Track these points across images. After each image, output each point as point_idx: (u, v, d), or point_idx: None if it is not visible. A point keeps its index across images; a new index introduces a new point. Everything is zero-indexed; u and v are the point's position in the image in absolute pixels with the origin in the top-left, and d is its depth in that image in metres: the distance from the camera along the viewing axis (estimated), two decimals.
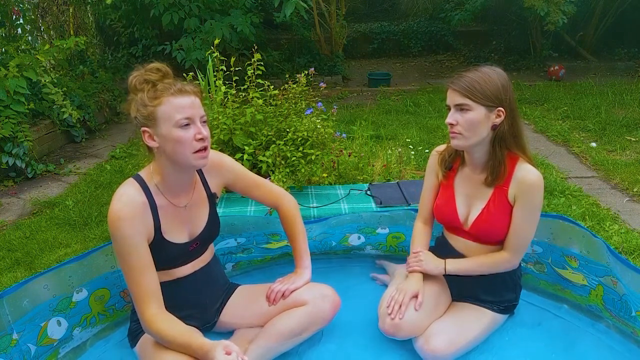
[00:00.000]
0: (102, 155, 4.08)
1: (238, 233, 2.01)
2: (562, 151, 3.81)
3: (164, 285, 1.53)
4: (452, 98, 1.50)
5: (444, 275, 1.70)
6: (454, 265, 1.66)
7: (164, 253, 1.49)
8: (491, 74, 1.48)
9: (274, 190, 1.76)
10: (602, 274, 1.71)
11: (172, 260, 1.54)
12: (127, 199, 1.40)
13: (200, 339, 1.37)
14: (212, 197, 1.62)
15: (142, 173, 1.49)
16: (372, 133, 3.94)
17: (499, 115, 1.49)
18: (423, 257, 1.69)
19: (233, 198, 2.28)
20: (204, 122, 1.42)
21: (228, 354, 1.26)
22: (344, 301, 1.70)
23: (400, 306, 1.60)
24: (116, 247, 1.40)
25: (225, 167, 1.66)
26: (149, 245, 1.45)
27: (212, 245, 1.71)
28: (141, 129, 1.39)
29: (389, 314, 1.60)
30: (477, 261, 1.64)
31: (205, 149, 1.41)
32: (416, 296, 1.62)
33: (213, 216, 1.62)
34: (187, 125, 1.37)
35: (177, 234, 1.51)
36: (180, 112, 1.36)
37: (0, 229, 2.81)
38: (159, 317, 1.41)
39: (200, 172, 1.61)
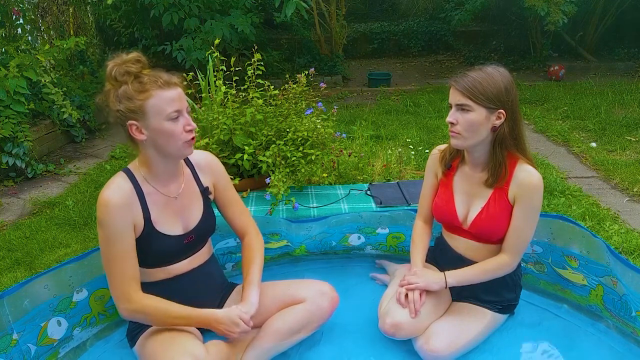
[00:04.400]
0: (102, 155, 4.08)
1: None
2: (562, 151, 3.81)
3: (162, 284, 1.54)
4: (454, 97, 1.50)
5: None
6: (454, 278, 1.63)
7: (158, 245, 1.49)
8: (495, 75, 1.48)
9: (249, 217, 1.76)
10: (602, 274, 1.71)
11: (167, 255, 1.54)
12: (115, 186, 1.43)
13: (204, 309, 1.49)
14: (205, 192, 1.63)
15: (130, 166, 1.51)
16: (372, 133, 3.94)
17: (500, 118, 1.48)
18: (420, 274, 1.66)
19: None
20: (189, 112, 1.44)
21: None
22: (344, 301, 1.70)
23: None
24: (102, 233, 1.41)
25: (217, 168, 1.69)
26: (141, 237, 1.46)
27: (210, 243, 1.71)
28: (127, 123, 1.39)
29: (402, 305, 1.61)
30: (476, 270, 1.63)
31: (193, 138, 1.45)
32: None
33: (208, 211, 1.62)
34: (176, 117, 1.39)
35: (170, 226, 1.52)
36: (170, 105, 1.37)
37: (0, 229, 2.81)
38: (146, 296, 1.46)
39: (191, 167, 1.62)
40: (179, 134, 1.40)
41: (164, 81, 1.37)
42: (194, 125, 1.44)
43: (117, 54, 1.40)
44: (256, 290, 1.57)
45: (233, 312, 1.47)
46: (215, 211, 1.71)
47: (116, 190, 1.42)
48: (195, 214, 1.58)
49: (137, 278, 1.46)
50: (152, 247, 1.49)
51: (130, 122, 1.38)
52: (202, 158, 1.65)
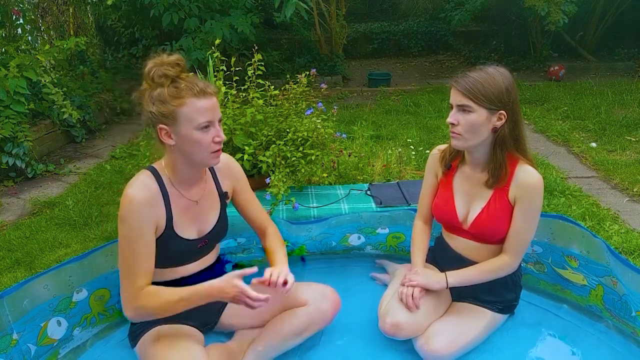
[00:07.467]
0: (102, 155, 4.08)
1: (238, 233, 2.01)
2: (562, 151, 3.81)
3: (168, 284, 1.53)
4: (455, 97, 1.50)
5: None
6: (455, 278, 1.63)
7: (173, 248, 1.49)
8: (496, 76, 1.47)
9: (267, 214, 1.78)
10: (602, 274, 1.71)
11: (180, 257, 1.53)
12: (141, 184, 1.41)
13: (206, 284, 1.40)
14: (223, 196, 1.63)
15: (155, 165, 1.50)
16: (372, 133, 3.94)
17: (501, 119, 1.48)
18: (421, 272, 1.67)
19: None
20: (220, 122, 1.43)
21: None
22: (344, 301, 1.70)
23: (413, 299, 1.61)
24: (123, 229, 1.38)
25: (237, 170, 1.69)
26: (160, 238, 1.45)
27: (217, 245, 1.71)
28: (158, 126, 1.38)
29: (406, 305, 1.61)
30: (477, 270, 1.63)
31: (220, 149, 1.44)
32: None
33: (223, 215, 1.62)
34: (207, 127, 1.37)
35: (187, 230, 1.52)
36: (202, 115, 1.36)
37: (0, 229, 2.81)
38: (155, 287, 1.42)
39: (212, 171, 1.62)
40: (207, 144, 1.39)
41: (200, 89, 1.35)
42: (223, 137, 1.42)
43: (158, 53, 1.38)
44: (286, 265, 1.55)
45: (230, 275, 1.39)
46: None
47: (142, 188, 1.40)
48: (211, 219, 1.58)
49: (149, 277, 1.42)
50: (169, 249, 1.48)
51: (160, 125, 1.37)
52: (222, 161, 1.62)
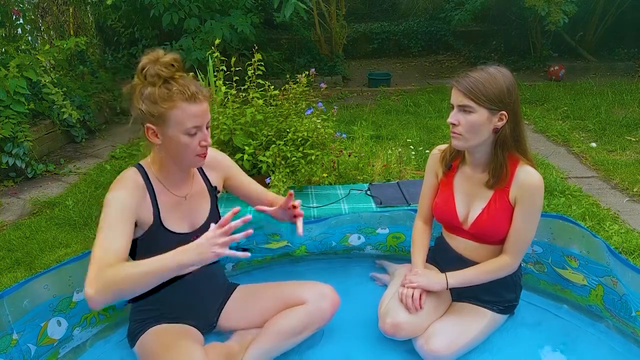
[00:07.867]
0: (102, 155, 4.08)
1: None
2: (562, 151, 3.81)
3: (167, 283, 1.53)
4: (456, 97, 1.49)
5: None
6: (455, 279, 1.63)
7: (164, 243, 1.47)
8: (497, 76, 1.47)
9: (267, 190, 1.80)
10: (602, 274, 1.71)
11: None
12: (128, 177, 1.43)
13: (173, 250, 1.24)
14: (213, 191, 1.63)
15: (143, 162, 1.50)
16: (372, 133, 3.94)
17: (502, 119, 1.48)
18: (422, 274, 1.67)
19: (233, 198, 2.27)
20: (208, 126, 1.42)
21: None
22: (344, 301, 1.70)
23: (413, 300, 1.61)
24: (105, 210, 1.33)
25: (224, 161, 1.69)
26: (149, 232, 1.44)
27: None
28: (146, 125, 1.38)
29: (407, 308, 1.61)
30: (478, 270, 1.63)
31: (206, 152, 1.43)
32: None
33: (214, 210, 1.62)
34: (195, 133, 1.37)
35: (178, 224, 1.51)
36: (191, 120, 1.35)
37: (0, 229, 2.81)
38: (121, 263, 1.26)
39: (200, 167, 1.62)
40: (192, 148, 1.39)
41: (191, 94, 1.34)
42: (210, 141, 1.42)
43: (154, 49, 1.36)
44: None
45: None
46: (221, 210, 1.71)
47: (128, 180, 1.42)
48: (202, 214, 1.58)
49: (120, 259, 1.27)
50: (160, 244, 1.46)
51: (148, 125, 1.37)
52: (210, 156, 1.62)
